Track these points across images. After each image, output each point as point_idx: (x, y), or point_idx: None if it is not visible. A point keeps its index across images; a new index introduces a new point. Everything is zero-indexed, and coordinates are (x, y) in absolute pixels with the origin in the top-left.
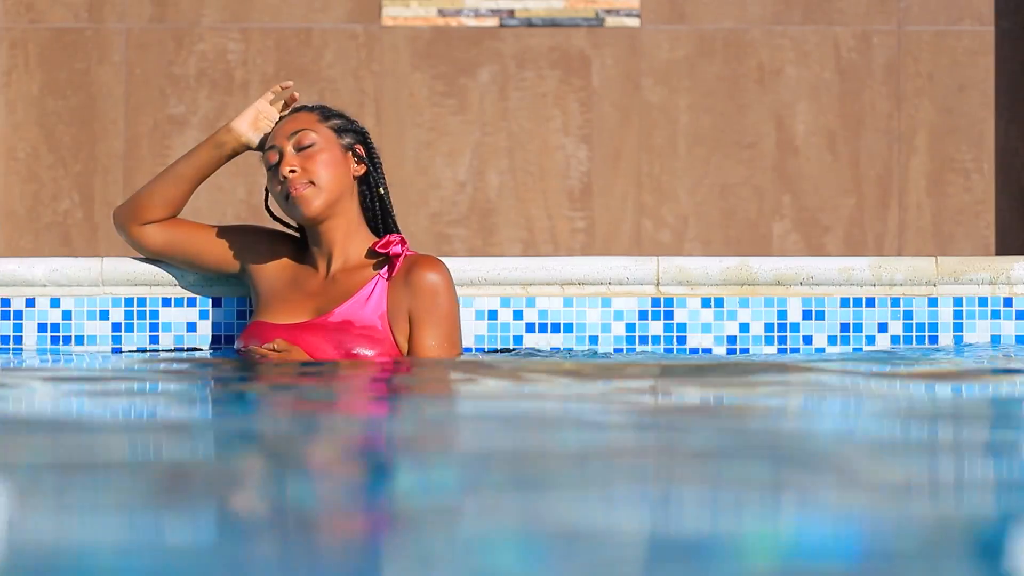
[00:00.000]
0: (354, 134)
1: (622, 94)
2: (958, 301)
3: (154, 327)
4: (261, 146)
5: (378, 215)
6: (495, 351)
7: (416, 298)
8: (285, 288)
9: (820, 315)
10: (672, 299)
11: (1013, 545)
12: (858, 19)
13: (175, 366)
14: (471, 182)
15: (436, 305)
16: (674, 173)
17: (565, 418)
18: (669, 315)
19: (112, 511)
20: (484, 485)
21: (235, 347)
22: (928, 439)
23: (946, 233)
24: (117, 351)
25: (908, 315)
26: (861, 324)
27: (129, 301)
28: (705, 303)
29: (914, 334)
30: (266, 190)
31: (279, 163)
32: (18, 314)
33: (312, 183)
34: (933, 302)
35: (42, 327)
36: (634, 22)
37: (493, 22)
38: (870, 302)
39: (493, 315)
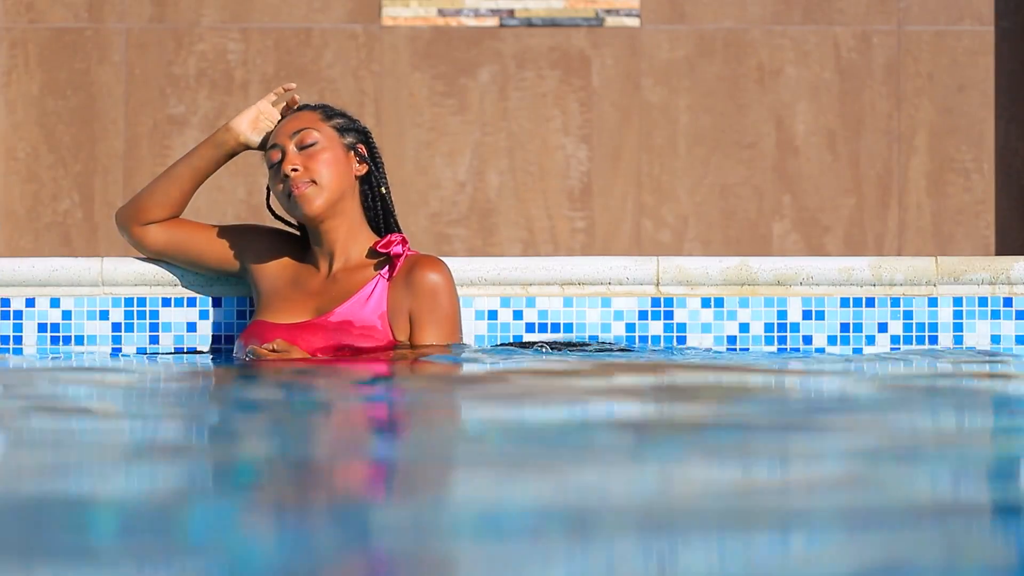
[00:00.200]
0: (356, 133)
1: (622, 94)
2: (958, 301)
3: (154, 327)
4: (261, 146)
5: (380, 215)
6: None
7: (417, 298)
8: (286, 288)
9: (820, 315)
10: (672, 299)
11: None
12: (858, 19)
13: (174, 368)
14: (471, 182)
15: (437, 305)
16: (674, 173)
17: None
18: (669, 315)
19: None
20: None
21: (235, 347)
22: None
23: (946, 233)
24: (117, 351)
25: (908, 315)
26: (861, 324)
27: (129, 301)
28: (705, 303)
29: (914, 334)
30: (268, 189)
31: (281, 161)
32: (18, 314)
33: (314, 182)
34: (933, 302)
35: (42, 327)
36: (634, 22)
37: (493, 22)
38: (870, 302)
39: (493, 315)
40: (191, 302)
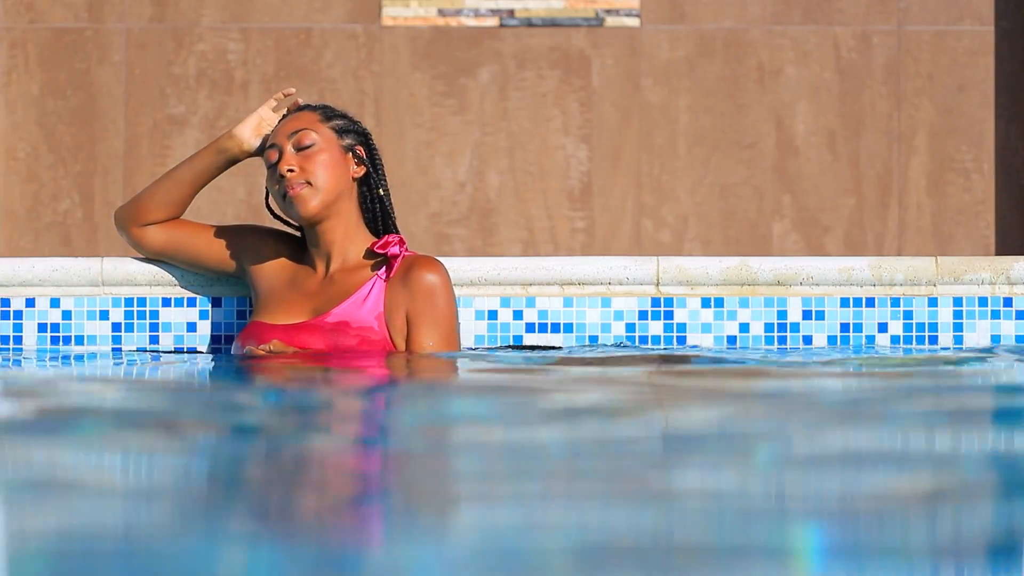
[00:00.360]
0: (356, 135)
1: (622, 94)
2: (958, 301)
3: (154, 327)
4: (262, 151)
5: (378, 217)
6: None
7: (414, 298)
8: (284, 288)
9: (820, 315)
10: (672, 299)
11: None
12: (858, 19)
13: (171, 368)
14: (471, 182)
15: (434, 305)
16: (674, 173)
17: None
18: (669, 315)
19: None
20: None
21: (233, 347)
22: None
23: (946, 233)
24: (117, 351)
25: (908, 315)
26: (861, 324)
27: (129, 301)
28: (705, 303)
29: (914, 334)
30: (267, 188)
31: (278, 162)
32: (18, 314)
33: (309, 183)
34: (933, 302)
35: (42, 327)
36: (634, 22)
37: (493, 22)
38: (870, 302)
39: (493, 315)
40: (191, 302)
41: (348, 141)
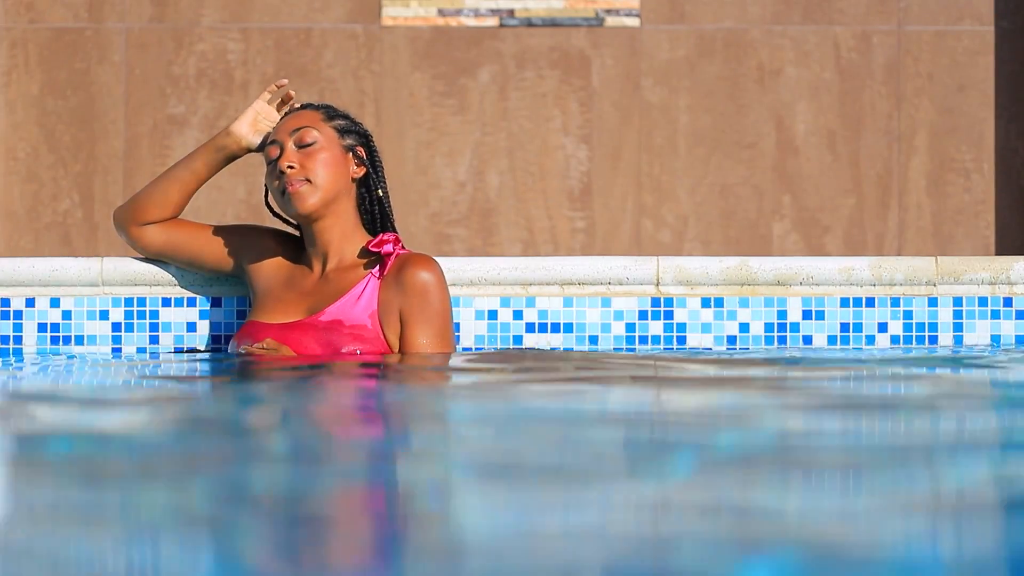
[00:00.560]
0: (357, 136)
1: (622, 94)
2: (958, 301)
3: (154, 327)
4: (262, 147)
5: (377, 218)
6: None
7: (407, 296)
8: (280, 288)
9: (820, 315)
10: (672, 299)
11: None
12: (858, 19)
13: (167, 368)
14: (471, 182)
15: (427, 303)
16: (674, 173)
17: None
18: (669, 315)
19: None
20: None
21: (229, 347)
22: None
23: (946, 233)
24: (117, 351)
25: (908, 315)
26: (861, 324)
27: (129, 301)
28: (705, 303)
29: (914, 334)
30: (266, 185)
31: (279, 158)
32: (18, 314)
33: (308, 181)
34: (933, 302)
35: (42, 327)
36: (634, 22)
37: (493, 22)
38: (870, 302)
39: (493, 315)
40: (191, 302)
41: (349, 141)
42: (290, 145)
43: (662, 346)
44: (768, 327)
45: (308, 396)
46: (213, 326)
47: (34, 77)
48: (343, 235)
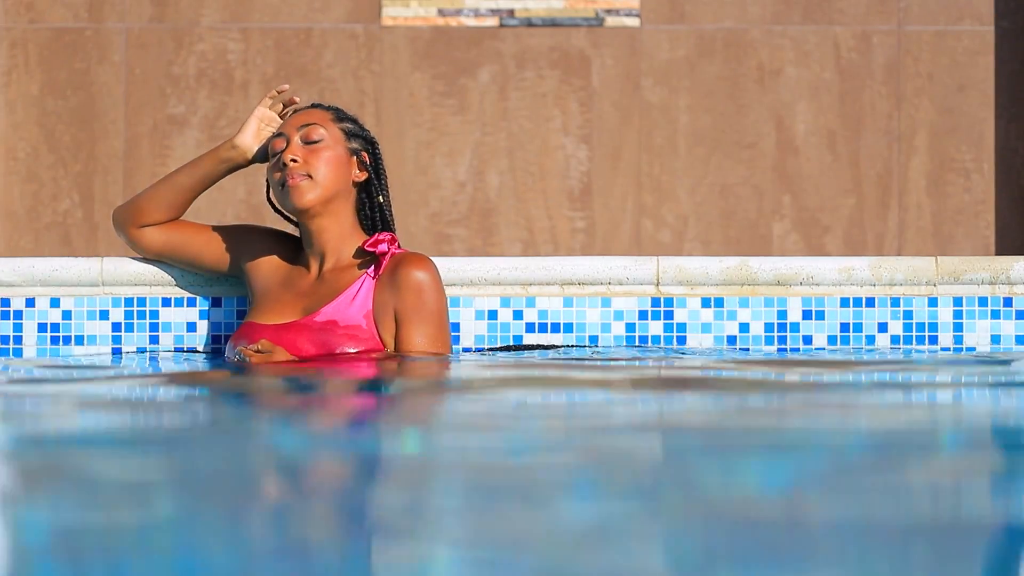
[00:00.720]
0: (363, 141)
1: (622, 94)
2: (958, 301)
3: (154, 327)
4: (264, 157)
5: (377, 225)
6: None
7: (402, 296)
8: (277, 288)
9: (820, 315)
10: (672, 299)
11: None
12: (858, 19)
13: (162, 369)
14: (471, 182)
15: (422, 302)
16: (674, 173)
17: None
18: (669, 315)
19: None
20: None
21: (227, 348)
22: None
23: (946, 233)
24: (117, 351)
25: (908, 315)
26: (861, 324)
27: (129, 301)
28: (705, 303)
29: (914, 334)
30: (267, 180)
31: (283, 151)
32: (18, 314)
33: (309, 176)
34: (933, 302)
35: (42, 327)
36: (634, 22)
37: (493, 22)
38: (870, 302)
39: (493, 315)
40: (191, 302)
41: (354, 145)
42: (296, 139)
43: (662, 346)
44: (768, 327)
45: (283, 408)
46: (213, 326)
47: (34, 77)
48: (340, 236)
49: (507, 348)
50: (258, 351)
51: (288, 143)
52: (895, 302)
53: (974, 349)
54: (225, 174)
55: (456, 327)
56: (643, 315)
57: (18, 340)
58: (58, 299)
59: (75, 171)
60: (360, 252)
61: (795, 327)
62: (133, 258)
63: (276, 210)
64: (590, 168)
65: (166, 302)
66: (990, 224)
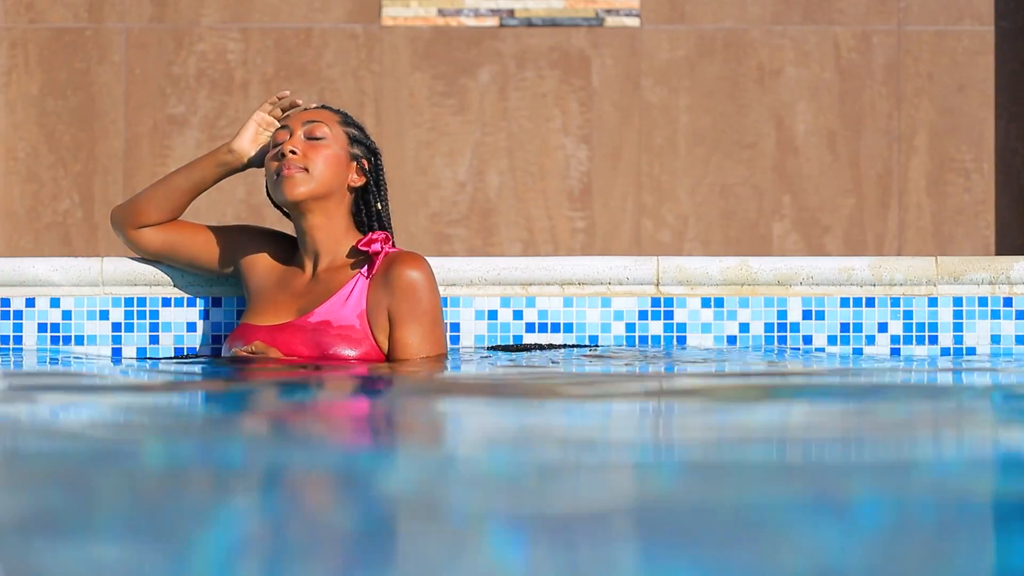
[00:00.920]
0: (366, 149)
1: (622, 94)
2: (958, 301)
3: (154, 327)
4: (261, 162)
5: (375, 231)
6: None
7: (395, 295)
8: (272, 289)
9: (820, 315)
10: (672, 299)
11: None
12: (858, 19)
13: (157, 371)
14: (471, 182)
15: (416, 301)
16: (674, 173)
17: None
18: (669, 315)
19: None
20: None
21: (223, 349)
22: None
23: (946, 233)
24: (117, 351)
25: (908, 315)
26: (861, 324)
27: (129, 301)
28: (705, 303)
29: (914, 334)
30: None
31: (285, 142)
32: (18, 314)
33: (306, 170)
34: (933, 302)
35: (42, 327)
36: (634, 22)
37: (493, 22)
38: (870, 302)
39: (493, 315)
40: (191, 302)
41: (356, 151)
42: (299, 133)
43: (662, 346)
44: (768, 327)
45: (268, 412)
46: (213, 326)
47: (34, 77)
48: (334, 236)
49: (506, 348)
50: (252, 352)
51: (291, 136)
52: (895, 302)
53: (974, 349)
54: (221, 177)
55: (456, 327)
56: (643, 315)
57: (18, 340)
58: (58, 299)
59: (75, 171)
60: (354, 252)
61: (795, 327)
62: (133, 258)
63: (275, 205)
64: (590, 168)
65: (166, 302)
66: (990, 224)
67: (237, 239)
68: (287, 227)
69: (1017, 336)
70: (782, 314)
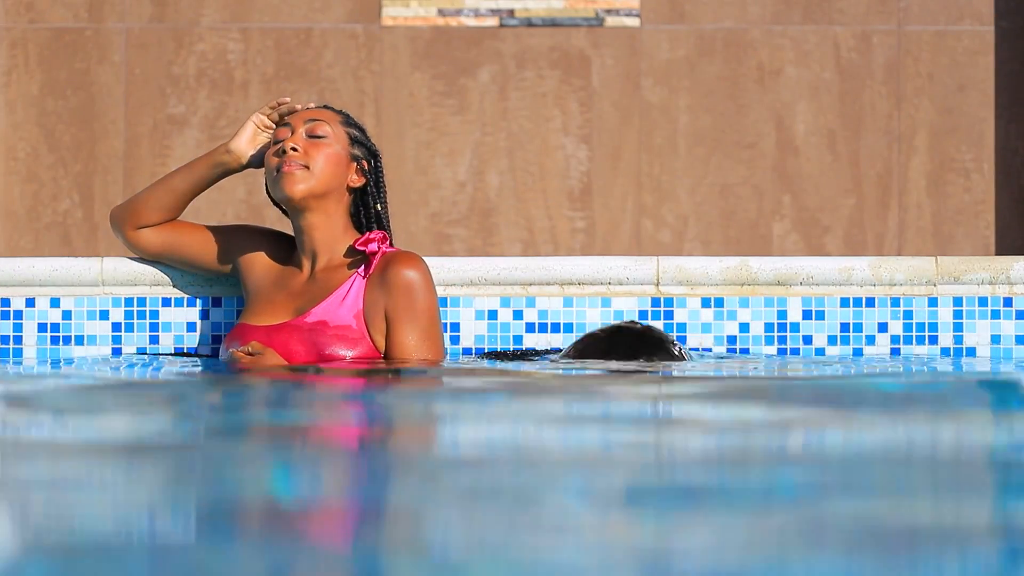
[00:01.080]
0: (366, 150)
1: (622, 94)
2: (958, 301)
3: (154, 327)
4: (259, 163)
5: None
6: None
7: (392, 295)
8: (270, 289)
9: (820, 315)
10: (672, 299)
11: None
12: (858, 19)
13: (154, 372)
14: (471, 182)
15: (413, 301)
16: (674, 173)
17: None
18: (669, 315)
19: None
20: None
21: (221, 349)
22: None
23: (946, 233)
24: (117, 351)
25: (908, 315)
26: (861, 324)
27: (129, 301)
28: (705, 303)
29: (914, 334)
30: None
31: (286, 139)
32: (18, 314)
33: (306, 167)
34: (933, 302)
35: (42, 327)
36: (634, 22)
37: (493, 22)
38: (870, 302)
39: (493, 315)
40: (191, 302)
41: (357, 152)
42: (301, 131)
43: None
44: (768, 327)
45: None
46: (213, 326)
47: (34, 77)
48: (332, 235)
49: (505, 355)
50: (249, 353)
51: (292, 133)
52: (895, 302)
53: (974, 349)
54: (219, 178)
55: (456, 327)
56: (643, 315)
57: (18, 340)
58: (58, 299)
59: (75, 171)
60: (351, 251)
61: (795, 327)
62: (133, 258)
63: (275, 203)
64: (590, 168)
65: (166, 302)
66: (990, 224)
67: (236, 239)
68: (286, 227)
69: (1017, 336)
70: (782, 314)
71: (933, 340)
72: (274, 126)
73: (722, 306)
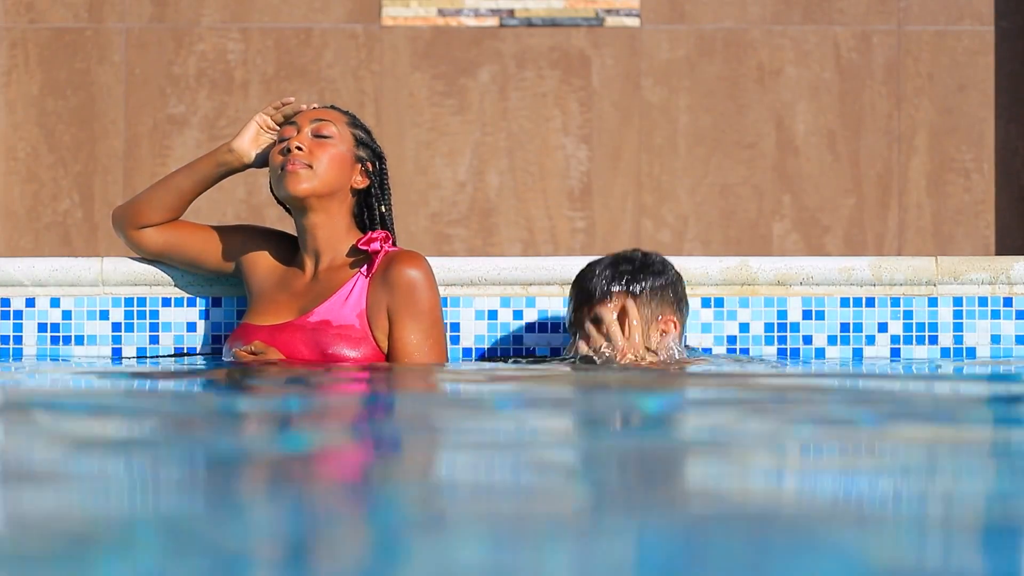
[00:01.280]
0: (371, 152)
1: (622, 94)
2: (958, 301)
3: (154, 327)
4: (262, 163)
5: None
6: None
7: (394, 294)
8: (273, 289)
9: (820, 315)
10: None
11: None
12: (858, 19)
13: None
14: (471, 182)
15: (415, 300)
16: (674, 173)
17: None
18: None
19: None
20: None
21: (224, 349)
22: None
23: (946, 233)
24: (117, 351)
25: (908, 315)
26: (861, 324)
27: (129, 301)
28: (705, 303)
29: (914, 334)
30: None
31: (292, 138)
32: (18, 314)
33: (310, 166)
34: (933, 302)
35: (42, 327)
36: (634, 22)
37: (493, 22)
38: (870, 302)
39: (493, 315)
40: (191, 302)
41: (362, 153)
42: (307, 130)
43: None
44: (768, 327)
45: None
46: (213, 326)
47: (34, 77)
48: (335, 235)
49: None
50: (252, 353)
51: (298, 132)
52: (895, 302)
53: (974, 349)
54: (222, 177)
55: (456, 327)
56: None
57: (18, 340)
58: (58, 299)
59: (75, 171)
60: (354, 251)
61: (795, 327)
62: (133, 258)
63: (278, 201)
64: (590, 168)
65: (166, 302)
66: (990, 224)
67: (238, 239)
68: (288, 227)
69: (1017, 336)
70: (782, 314)
71: (933, 340)
72: (277, 126)
73: (722, 306)
